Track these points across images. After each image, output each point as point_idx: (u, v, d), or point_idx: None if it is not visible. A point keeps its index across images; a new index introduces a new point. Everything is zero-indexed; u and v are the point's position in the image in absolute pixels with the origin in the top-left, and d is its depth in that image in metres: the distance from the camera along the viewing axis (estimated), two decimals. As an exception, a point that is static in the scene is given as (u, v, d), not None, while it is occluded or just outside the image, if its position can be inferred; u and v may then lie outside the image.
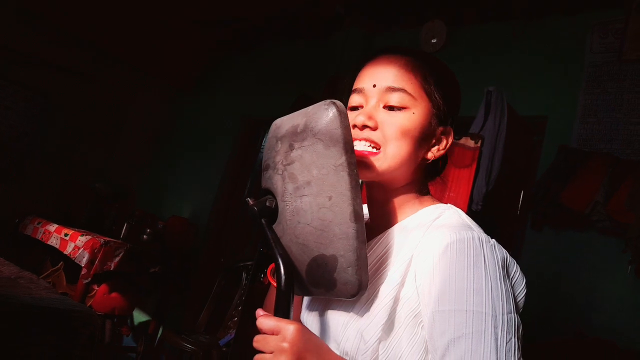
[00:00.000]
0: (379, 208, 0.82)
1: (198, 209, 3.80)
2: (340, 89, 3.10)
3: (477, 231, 0.70)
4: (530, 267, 2.17)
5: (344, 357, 0.71)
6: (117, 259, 3.00)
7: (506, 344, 0.62)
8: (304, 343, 0.63)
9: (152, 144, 4.57)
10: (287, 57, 3.67)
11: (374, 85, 0.76)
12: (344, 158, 0.64)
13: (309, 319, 0.82)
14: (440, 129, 0.79)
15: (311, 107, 0.69)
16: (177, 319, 3.56)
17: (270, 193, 0.73)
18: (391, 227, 0.79)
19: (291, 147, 0.69)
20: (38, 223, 3.41)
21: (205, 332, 2.92)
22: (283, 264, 0.67)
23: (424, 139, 0.76)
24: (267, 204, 0.71)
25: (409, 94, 0.75)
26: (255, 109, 3.72)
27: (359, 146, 0.74)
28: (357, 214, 0.64)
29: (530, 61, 2.46)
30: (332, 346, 0.73)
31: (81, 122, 4.22)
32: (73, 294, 3.01)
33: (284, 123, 0.73)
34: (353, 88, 0.81)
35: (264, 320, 0.65)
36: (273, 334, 0.64)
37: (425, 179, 0.82)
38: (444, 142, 0.80)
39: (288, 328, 0.63)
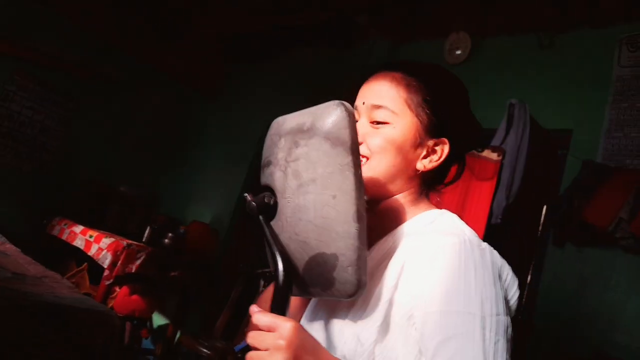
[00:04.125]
0: (376, 217, 0.83)
1: (219, 215, 3.84)
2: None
3: (468, 235, 0.73)
4: (552, 284, 2.12)
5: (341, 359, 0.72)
6: (138, 261, 3.06)
7: (494, 344, 0.64)
8: (300, 341, 0.62)
9: (177, 149, 4.65)
10: (312, 66, 3.71)
11: (363, 103, 0.82)
12: (350, 158, 0.64)
13: (308, 326, 0.83)
14: (432, 140, 0.81)
15: (318, 106, 0.69)
16: (195, 323, 3.59)
17: (269, 190, 0.73)
18: (387, 234, 0.81)
19: (296, 144, 0.69)
20: (64, 224, 3.51)
21: (222, 337, 2.94)
22: (282, 260, 0.66)
23: (408, 151, 0.79)
24: (266, 200, 0.71)
25: (390, 110, 0.79)
26: (278, 116, 3.74)
27: None
28: (360, 214, 0.65)
29: (557, 73, 2.42)
30: (331, 351, 0.74)
31: (108, 126, 4.34)
32: (95, 294, 3.07)
33: (288, 120, 0.74)
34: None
35: (261, 316, 0.64)
36: (269, 331, 0.63)
37: (423, 189, 0.84)
38: (438, 153, 0.81)
39: (285, 325, 0.62)
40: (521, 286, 2.28)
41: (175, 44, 4.17)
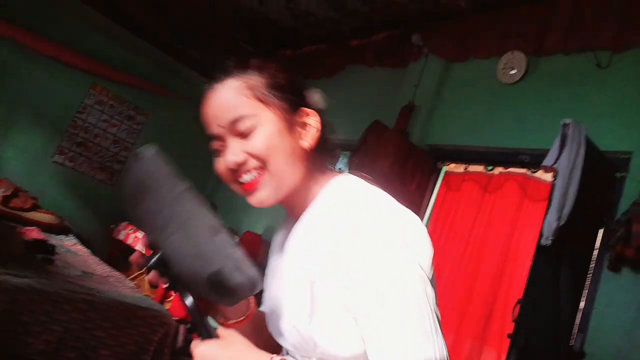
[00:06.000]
0: (288, 208, 0.87)
1: (272, 227, 3.97)
2: (413, 116, 3.14)
3: (368, 204, 0.75)
4: (605, 311, 2.05)
5: (294, 350, 0.79)
6: (194, 267, 3.22)
7: (405, 304, 0.68)
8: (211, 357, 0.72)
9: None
10: (364, 84, 3.78)
11: (219, 125, 0.80)
12: (178, 188, 0.72)
13: (269, 321, 0.89)
14: (296, 116, 0.82)
15: (131, 163, 0.77)
16: (245, 330, 3.71)
17: (155, 245, 0.79)
18: (300, 219, 0.83)
19: (141, 200, 0.76)
20: (130, 229, 3.75)
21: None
22: (186, 300, 0.76)
23: (288, 137, 0.80)
24: (155, 259, 0.77)
25: (248, 115, 0.78)
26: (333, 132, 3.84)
27: (246, 179, 0.79)
28: (214, 227, 0.72)
29: (615, 94, 2.35)
30: (284, 342, 0.81)
31: (171, 138, 4.61)
32: (154, 297, 3.26)
33: (127, 183, 0.80)
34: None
35: (192, 346, 0.75)
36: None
37: (318, 163, 0.85)
38: (311, 124, 0.83)
39: (195, 354, 0.73)
40: (574, 312, 2.20)
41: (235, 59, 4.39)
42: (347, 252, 0.71)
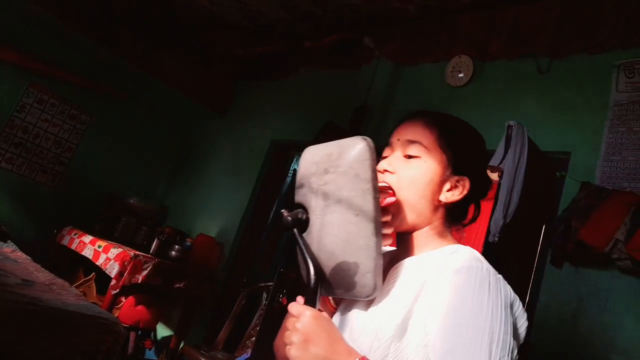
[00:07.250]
0: (403, 243, 0.93)
1: (225, 229, 3.90)
2: (366, 118, 3.18)
3: (486, 265, 0.80)
4: (549, 304, 2.15)
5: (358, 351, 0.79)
6: (145, 272, 3.12)
7: (499, 359, 0.69)
8: (314, 327, 0.73)
9: (186, 164, 4.75)
10: (317, 85, 3.80)
11: (398, 139, 0.93)
12: (370, 184, 0.76)
13: (341, 319, 0.93)
14: (456, 177, 0.89)
15: (345, 140, 0.81)
16: (198, 335, 3.63)
17: (302, 207, 0.84)
18: (412, 256, 0.90)
19: (326, 171, 0.81)
20: (74, 234, 3.59)
21: (224, 349, 2.98)
22: (313, 265, 0.78)
23: (436, 184, 0.88)
24: (299, 216, 0.83)
25: (423, 146, 0.89)
26: (285, 134, 3.84)
27: (382, 185, 0.86)
28: (378, 229, 0.75)
29: (555, 97, 2.48)
30: (351, 342, 0.82)
31: (119, 140, 4.45)
32: (102, 304, 3.13)
33: (320, 150, 0.86)
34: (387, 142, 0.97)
35: (293, 305, 0.77)
36: (297, 317, 0.76)
37: (447, 222, 0.92)
38: (460, 189, 0.90)
39: (305, 313, 0.75)
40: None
41: (186, 60, 4.29)
42: (455, 293, 0.75)
